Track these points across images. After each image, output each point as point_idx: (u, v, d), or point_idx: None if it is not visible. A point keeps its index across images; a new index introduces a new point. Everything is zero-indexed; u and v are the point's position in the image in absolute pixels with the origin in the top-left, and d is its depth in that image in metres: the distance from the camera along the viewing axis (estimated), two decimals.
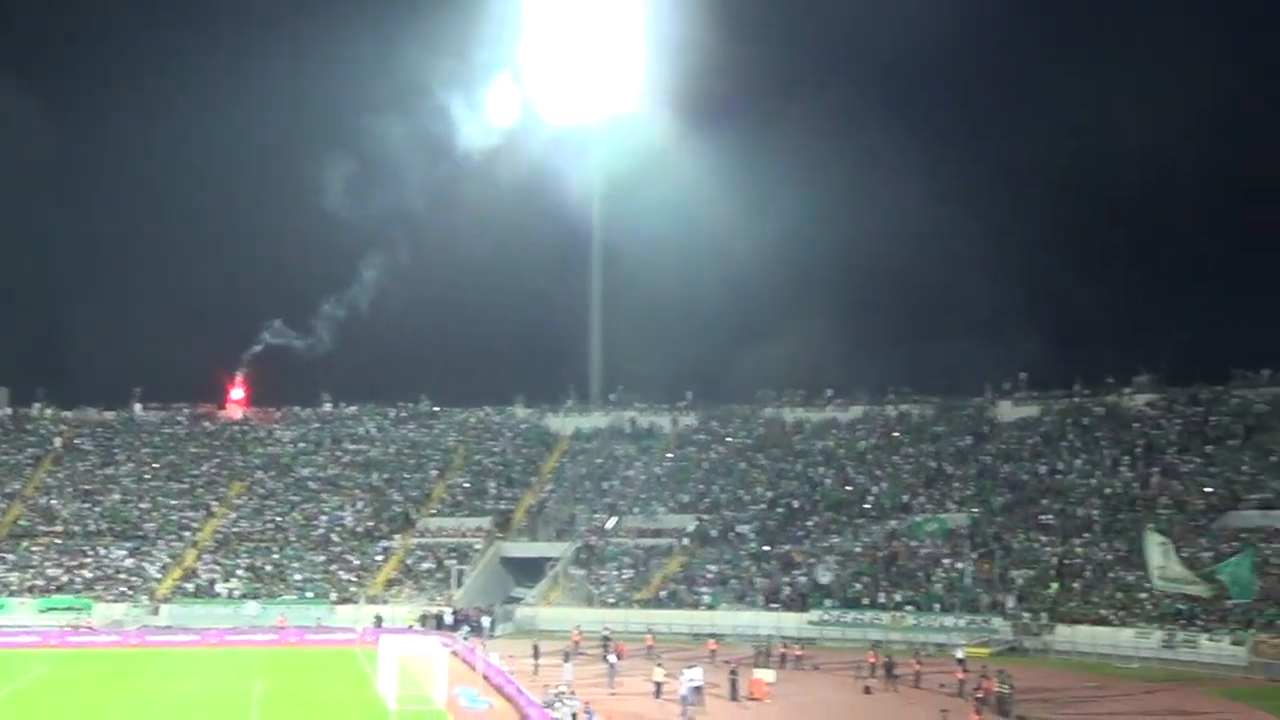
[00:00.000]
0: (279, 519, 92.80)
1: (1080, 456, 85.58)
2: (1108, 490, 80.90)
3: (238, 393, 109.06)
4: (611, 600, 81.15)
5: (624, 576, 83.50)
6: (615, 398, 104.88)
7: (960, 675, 54.86)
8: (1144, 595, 66.82)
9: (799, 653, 64.76)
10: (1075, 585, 72.25)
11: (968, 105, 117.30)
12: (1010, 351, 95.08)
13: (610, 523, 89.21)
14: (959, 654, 59.92)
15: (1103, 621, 67.88)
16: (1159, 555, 65.20)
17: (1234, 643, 61.19)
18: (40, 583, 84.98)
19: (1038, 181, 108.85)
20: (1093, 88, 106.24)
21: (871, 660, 58.66)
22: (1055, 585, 72.41)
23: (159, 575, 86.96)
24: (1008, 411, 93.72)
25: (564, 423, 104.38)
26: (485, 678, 56.61)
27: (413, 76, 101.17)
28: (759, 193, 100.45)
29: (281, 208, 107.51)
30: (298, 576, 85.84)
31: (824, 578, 78.27)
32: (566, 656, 58.67)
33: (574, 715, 43.51)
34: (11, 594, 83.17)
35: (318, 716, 50.74)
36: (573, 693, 47.65)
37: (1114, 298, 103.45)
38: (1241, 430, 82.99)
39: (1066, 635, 68.20)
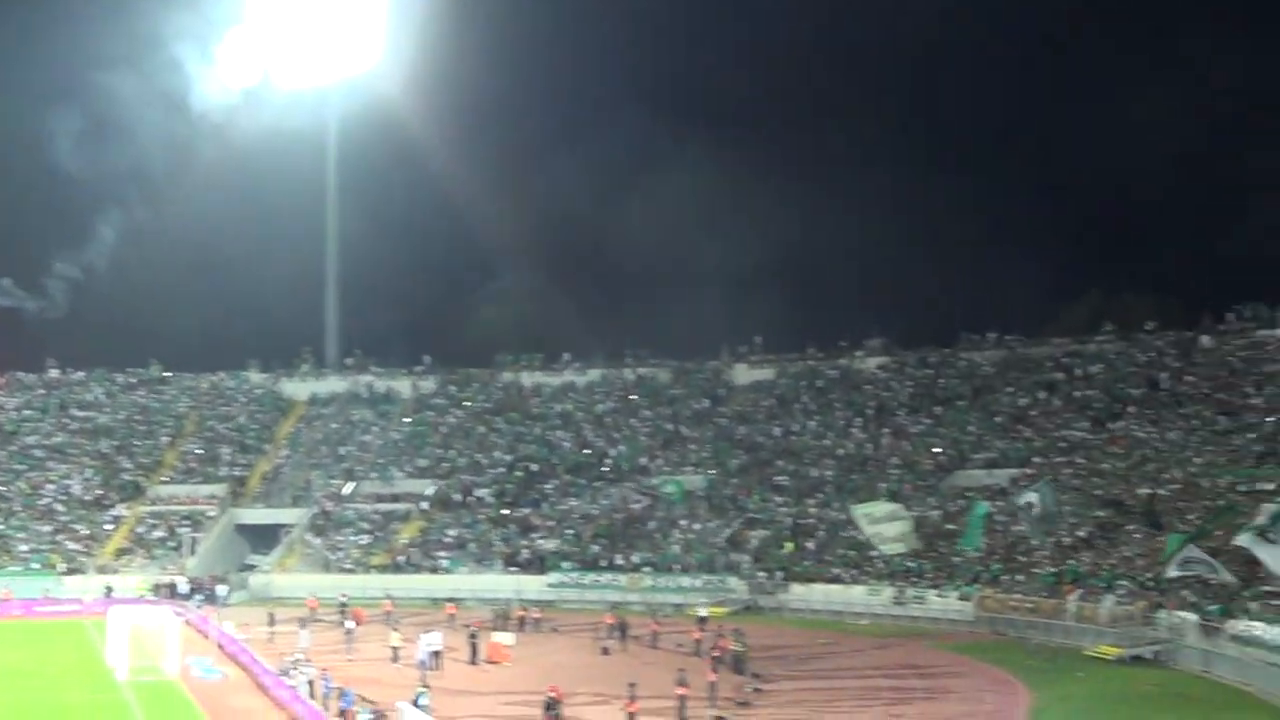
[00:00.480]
0: (2, 489, 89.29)
1: (814, 418, 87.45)
2: (840, 451, 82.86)
3: None
4: (349, 566, 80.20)
5: (361, 542, 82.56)
6: (352, 362, 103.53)
7: (697, 635, 55.58)
8: (875, 554, 68.41)
9: (537, 615, 64.92)
10: (809, 545, 73.74)
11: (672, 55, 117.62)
12: (746, 315, 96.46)
13: (347, 488, 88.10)
14: (702, 613, 60.77)
15: (835, 580, 69.46)
16: (866, 525, 66.62)
17: (961, 598, 63.17)
18: None
19: (773, 144, 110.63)
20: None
21: (610, 621, 59.04)
22: (790, 545, 73.79)
23: None
24: (743, 374, 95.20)
25: (299, 388, 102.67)
26: (220, 646, 55.61)
27: (146, 29, 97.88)
28: (496, 155, 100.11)
29: (10, 163, 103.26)
30: (23, 547, 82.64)
31: (565, 537, 78.66)
32: (303, 624, 57.77)
33: (310, 682, 42.84)
34: None
35: (44, 689, 48.97)
36: (309, 660, 46.91)
37: (847, 262, 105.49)
38: (969, 392, 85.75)
39: (801, 594, 69.61)
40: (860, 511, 66.97)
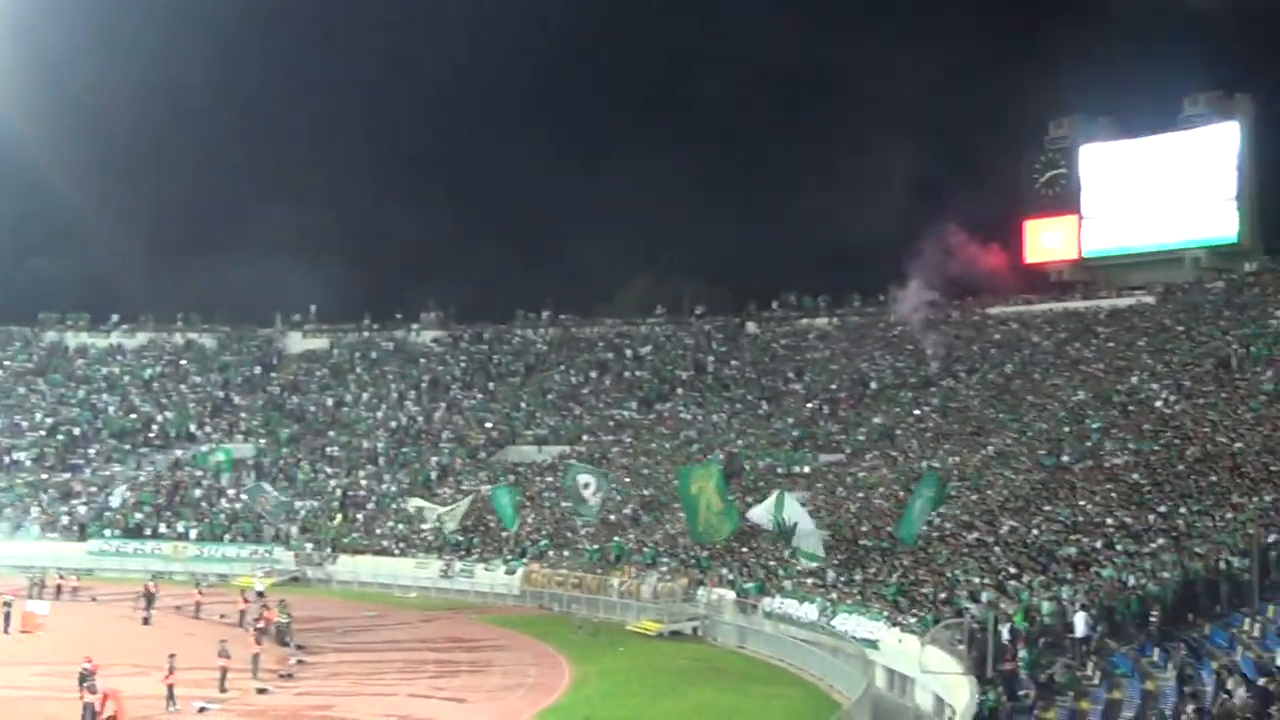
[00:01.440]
0: None
1: (367, 390, 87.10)
2: (393, 423, 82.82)
3: None
4: None
5: None
6: None
7: (242, 605, 54.71)
8: (421, 525, 68.72)
9: (75, 584, 62.66)
10: (359, 516, 73.45)
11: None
12: (303, 283, 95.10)
13: None
14: (259, 586, 59.82)
15: (385, 552, 69.36)
16: (445, 489, 67.07)
17: (508, 572, 64.01)
18: None
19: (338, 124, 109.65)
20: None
21: (151, 590, 57.34)
22: (339, 516, 73.30)
23: None
24: (297, 343, 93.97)
25: None
26: None
27: None
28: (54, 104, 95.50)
29: None
30: None
31: (110, 504, 75.99)
32: None
33: None
34: None
35: None
36: None
37: (407, 236, 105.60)
38: (522, 368, 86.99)
39: (349, 566, 69.19)
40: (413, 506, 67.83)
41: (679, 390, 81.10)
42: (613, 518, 65.36)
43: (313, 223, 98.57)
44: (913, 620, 41.74)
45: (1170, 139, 75.62)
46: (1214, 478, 43.05)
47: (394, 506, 73.13)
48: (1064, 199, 79.40)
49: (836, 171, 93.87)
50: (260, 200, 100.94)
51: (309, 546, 71.03)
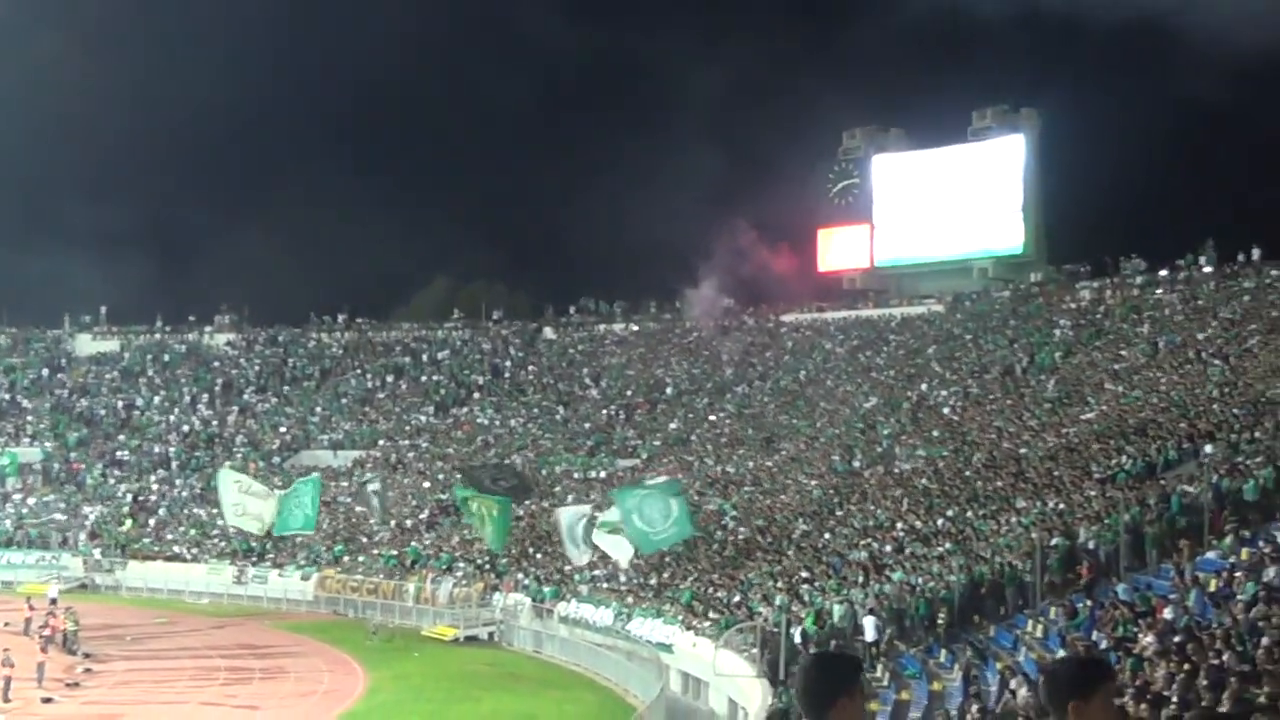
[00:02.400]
0: None
1: (160, 393, 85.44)
2: (186, 427, 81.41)
3: None
4: None
5: None
6: None
7: (28, 613, 53.41)
8: (217, 532, 67.72)
9: None
10: (150, 522, 72.08)
11: None
12: (93, 283, 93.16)
13: None
14: (52, 593, 58.39)
15: (176, 558, 68.13)
16: (233, 492, 66.02)
17: (302, 579, 63.34)
18: None
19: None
20: None
21: None
22: (129, 522, 71.85)
23: None
24: (86, 344, 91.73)
25: None
26: None
27: None
28: None
29: None
30: None
31: None
32: None
33: None
34: None
35: None
36: None
37: (200, 238, 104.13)
38: (317, 372, 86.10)
39: (139, 572, 67.74)
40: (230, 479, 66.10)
41: (476, 395, 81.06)
42: (409, 523, 65.10)
43: (106, 220, 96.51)
44: (707, 624, 42.28)
45: (959, 151, 77.78)
46: (999, 483, 44.28)
47: (185, 512, 71.90)
48: (856, 209, 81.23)
49: (633, 175, 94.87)
50: (51, 195, 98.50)
51: (97, 553, 69.48)
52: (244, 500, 65.52)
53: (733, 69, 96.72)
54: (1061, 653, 26.51)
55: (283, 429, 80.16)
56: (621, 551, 48.68)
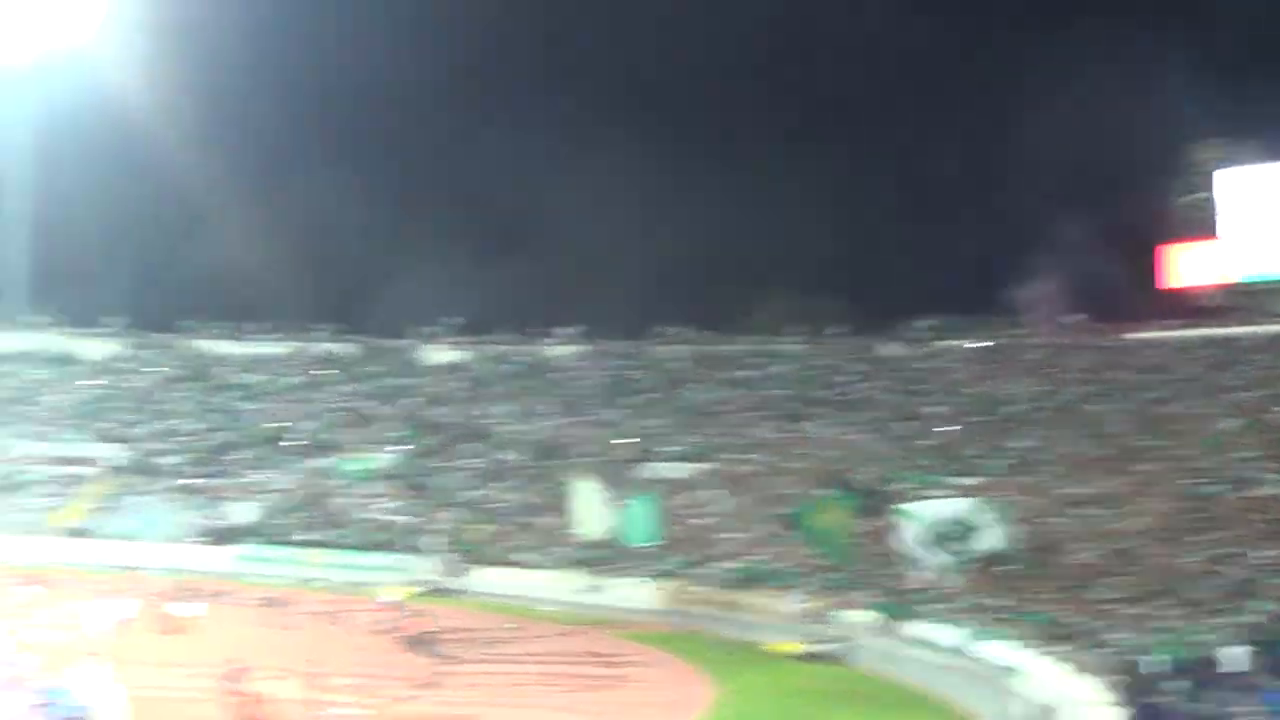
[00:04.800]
0: None
1: (506, 403, 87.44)
2: (532, 437, 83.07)
3: None
4: (29, 529, 76.66)
5: (42, 505, 79.31)
6: (28, 319, 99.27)
7: (384, 614, 55.24)
8: (563, 540, 68.88)
9: (221, 588, 63.58)
10: (498, 528, 73.75)
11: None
12: (440, 294, 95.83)
13: (27, 449, 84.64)
14: (400, 594, 60.33)
15: (522, 564, 69.55)
16: (580, 502, 67.30)
17: (647, 589, 63.91)
18: None
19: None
20: None
21: (297, 598, 57.99)
22: (478, 527, 73.66)
23: None
24: (436, 354, 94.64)
25: None
26: None
27: None
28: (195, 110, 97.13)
29: None
30: None
31: (251, 511, 77.16)
32: None
33: None
34: None
35: None
36: None
37: (540, 247, 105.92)
38: (659, 385, 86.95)
39: (487, 577, 69.40)
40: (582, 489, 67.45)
41: (815, 409, 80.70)
42: (752, 536, 65.16)
43: (458, 234, 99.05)
44: (1059, 648, 41.17)
45: None
46: None
47: (531, 519, 73.36)
48: (1204, 223, 78.26)
49: (972, 186, 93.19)
50: (388, 210, 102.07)
51: (448, 557, 71.45)
52: (590, 509, 66.97)
53: (1078, 76, 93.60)
54: None
55: (626, 440, 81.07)
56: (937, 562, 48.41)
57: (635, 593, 64.35)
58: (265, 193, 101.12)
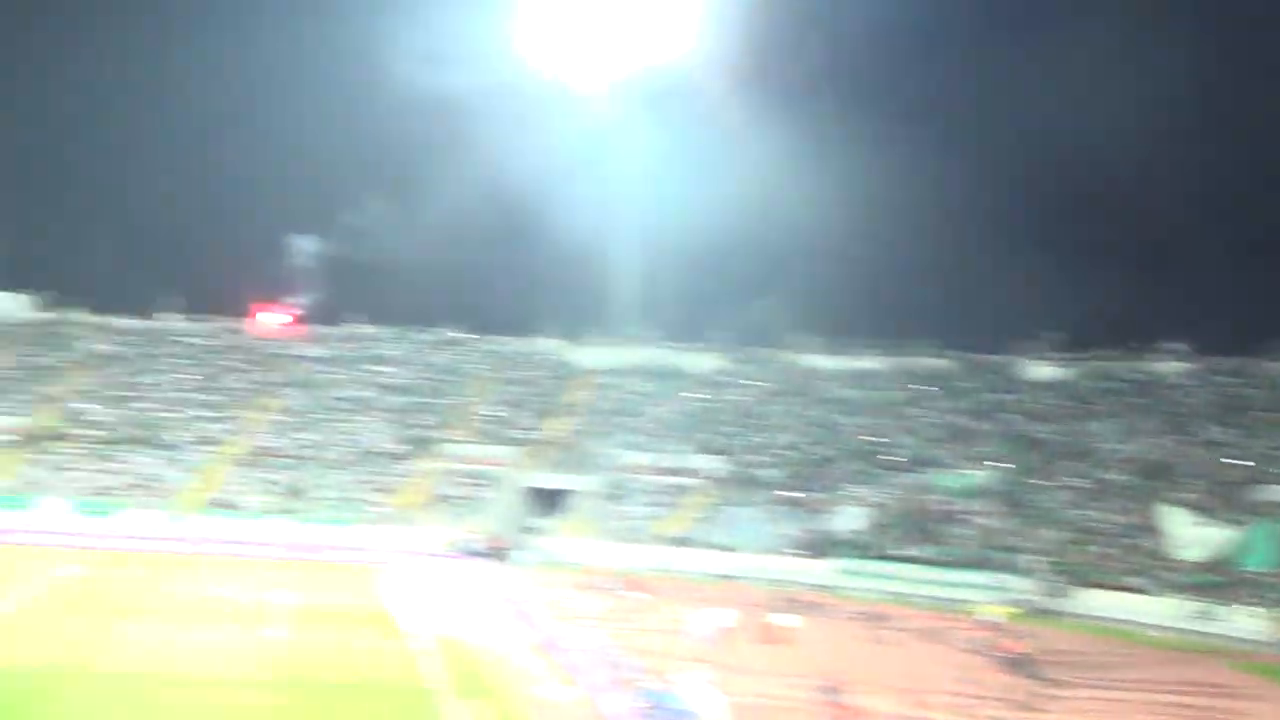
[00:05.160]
0: (309, 437, 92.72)
1: (1110, 420, 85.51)
2: (1137, 455, 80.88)
3: (274, 311, 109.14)
4: (635, 536, 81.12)
5: (646, 514, 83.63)
6: (639, 334, 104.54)
7: (982, 633, 54.95)
8: (1170, 563, 66.79)
9: (819, 600, 64.92)
10: (1101, 549, 72.30)
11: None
12: (1036, 310, 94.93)
13: (634, 459, 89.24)
14: (998, 614, 60.07)
15: (1126, 588, 67.91)
16: (1176, 526, 65.13)
17: (1264, 618, 61.15)
18: (70, 485, 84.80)
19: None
20: None
21: (894, 613, 58.46)
22: (1080, 548, 72.40)
23: (187, 485, 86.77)
24: (1035, 370, 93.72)
25: (587, 355, 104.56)
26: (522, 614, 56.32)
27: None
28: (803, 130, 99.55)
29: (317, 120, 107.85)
30: (326, 495, 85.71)
31: (849, 524, 78.49)
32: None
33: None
34: (42, 494, 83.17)
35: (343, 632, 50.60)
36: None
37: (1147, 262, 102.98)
38: (1275, 403, 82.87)
39: (1089, 599, 68.19)
40: (1170, 513, 65.45)
41: None
42: None
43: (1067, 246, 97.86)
44: None
45: None
46: None
47: (1134, 541, 71.47)
48: None
49: None
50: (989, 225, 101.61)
51: (1047, 577, 70.57)
52: (1194, 532, 64.52)
53: None
54: None
55: (1237, 461, 77.75)
56: None
57: (1252, 622, 61.55)
58: (864, 207, 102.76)
